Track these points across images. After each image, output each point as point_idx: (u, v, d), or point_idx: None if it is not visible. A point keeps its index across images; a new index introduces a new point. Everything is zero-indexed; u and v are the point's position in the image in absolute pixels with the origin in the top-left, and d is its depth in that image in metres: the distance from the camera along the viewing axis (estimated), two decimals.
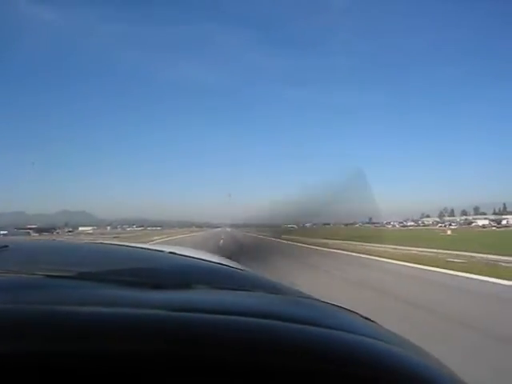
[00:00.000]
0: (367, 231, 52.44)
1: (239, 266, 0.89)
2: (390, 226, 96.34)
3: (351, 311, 0.61)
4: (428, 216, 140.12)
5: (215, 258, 0.95)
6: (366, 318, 0.60)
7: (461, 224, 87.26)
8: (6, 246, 0.79)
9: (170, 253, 0.87)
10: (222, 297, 0.55)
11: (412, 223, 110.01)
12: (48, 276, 0.56)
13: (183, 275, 0.67)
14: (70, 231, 78.08)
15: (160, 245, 0.99)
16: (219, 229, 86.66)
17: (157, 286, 0.53)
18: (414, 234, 40.08)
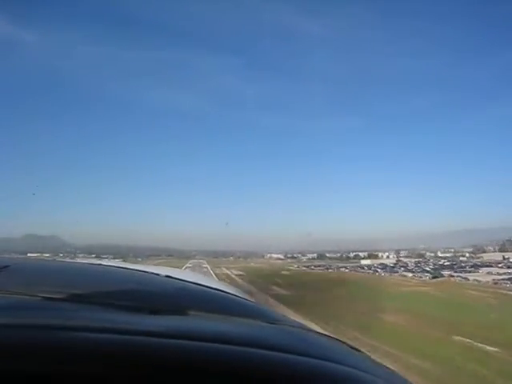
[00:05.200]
0: None
1: (235, 292, 0.90)
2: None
3: (341, 341, 0.62)
4: (484, 251, 63.11)
5: (211, 283, 0.98)
6: (356, 349, 0.61)
7: None
8: (8, 266, 0.80)
9: (167, 276, 0.90)
10: (213, 324, 0.56)
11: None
12: (46, 298, 0.58)
13: (178, 300, 0.69)
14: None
15: (156, 267, 1.01)
16: (192, 261, 65.30)
17: (152, 312, 0.55)
18: None
